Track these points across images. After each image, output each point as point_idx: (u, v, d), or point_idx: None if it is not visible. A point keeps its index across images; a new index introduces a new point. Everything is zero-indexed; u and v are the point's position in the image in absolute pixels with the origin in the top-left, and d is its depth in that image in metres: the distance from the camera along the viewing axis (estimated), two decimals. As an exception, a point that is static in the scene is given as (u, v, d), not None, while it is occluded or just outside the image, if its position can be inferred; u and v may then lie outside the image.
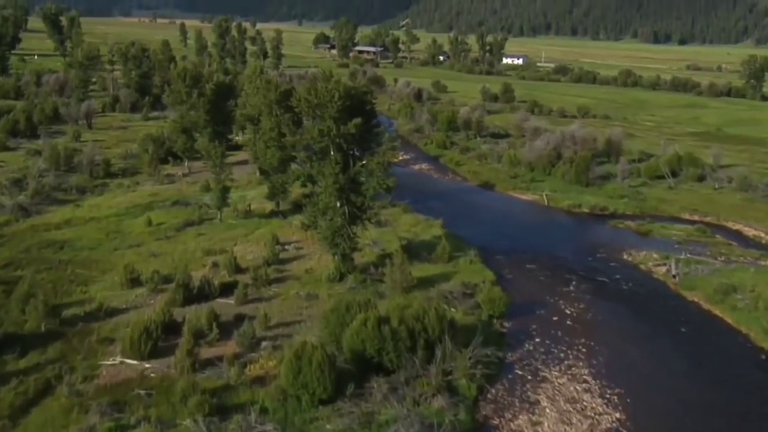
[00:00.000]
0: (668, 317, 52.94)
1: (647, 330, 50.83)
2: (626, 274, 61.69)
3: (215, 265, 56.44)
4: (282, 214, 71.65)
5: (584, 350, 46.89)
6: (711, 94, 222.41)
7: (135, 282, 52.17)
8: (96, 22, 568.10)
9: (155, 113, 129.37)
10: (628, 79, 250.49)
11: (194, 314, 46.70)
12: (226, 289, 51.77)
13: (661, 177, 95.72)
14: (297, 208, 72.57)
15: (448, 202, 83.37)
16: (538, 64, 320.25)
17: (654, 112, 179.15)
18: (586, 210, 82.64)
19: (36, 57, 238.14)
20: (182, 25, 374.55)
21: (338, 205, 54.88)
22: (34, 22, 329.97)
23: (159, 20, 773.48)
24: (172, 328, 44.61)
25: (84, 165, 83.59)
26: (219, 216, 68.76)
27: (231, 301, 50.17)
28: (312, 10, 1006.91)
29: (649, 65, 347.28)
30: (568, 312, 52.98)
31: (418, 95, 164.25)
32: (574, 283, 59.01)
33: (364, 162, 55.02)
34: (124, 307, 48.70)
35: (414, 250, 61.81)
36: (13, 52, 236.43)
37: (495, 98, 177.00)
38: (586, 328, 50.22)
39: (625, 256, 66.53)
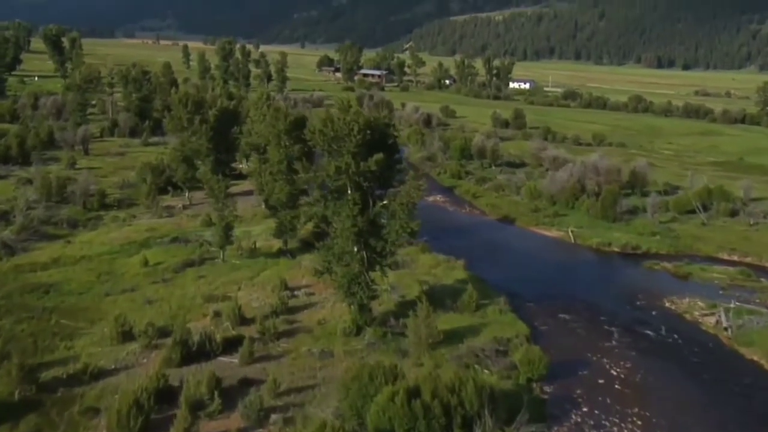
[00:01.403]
0: (728, 381, 46.86)
1: (706, 397, 44.75)
2: (672, 326, 55.64)
3: (217, 314, 50.48)
4: (290, 253, 65.78)
5: (639, 422, 40.82)
6: (725, 121, 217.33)
7: (127, 335, 46.18)
8: (98, 44, 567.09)
9: (155, 138, 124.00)
10: (639, 105, 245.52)
11: (193, 377, 40.71)
12: (230, 345, 45.81)
13: (691, 211, 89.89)
14: (307, 246, 66.81)
15: (468, 240, 77.55)
16: (545, 89, 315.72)
17: (670, 139, 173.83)
18: (616, 249, 76.72)
19: (36, 78, 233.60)
20: (185, 47, 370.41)
21: (355, 250, 49.07)
22: (38, 42, 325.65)
23: (162, 42, 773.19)
24: (167, 396, 38.56)
25: (77, 196, 77.79)
26: (221, 255, 62.89)
27: (235, 360, 44.17)
28: (314, 33, 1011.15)
29: (657, 90, 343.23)
30: (615, 373, 46.95)
31: (428, 121, 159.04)
32: (615, 336, 53.07)
33: (385, 202, 49.26)
34: (113, 367, 42.67)
35: (436, 297, 55.87)
36: (13, 73, 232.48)
37: (506, 124, 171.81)
38: (638, 394, 44.18)
39: (667, 304, 60.55)
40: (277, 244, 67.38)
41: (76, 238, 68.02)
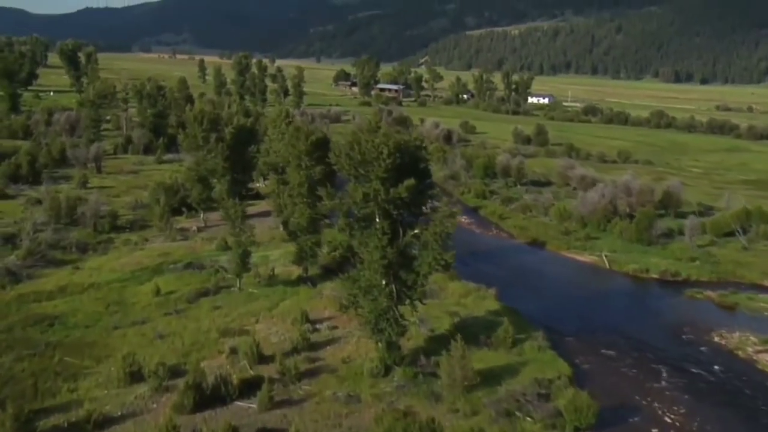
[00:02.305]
0: (795, 430, 42.45)
1: (774, 450, 40.39)
2: (725, 364, 51.22)
3: (233, 351, 46.62)
4: (311, 281, 61.92)
5: (703, 481, 36.51)
6: (751, 137, 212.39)
7: (135, 376, 42.38)
8: (115, 58, 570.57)
9: (170, 155, 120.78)
10: (661, 121, 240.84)
11: (207, 426, 36.99)
12: (248, 387, 41.92)
13: (729, 234, 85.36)
14: (328, 273, 63.15)
15: (497, 265, 73.52)
16: (564, 104, 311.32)
17: (696, 156, 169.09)
18: (654, 275, 72.29)
19: (51, 93, 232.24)
20: (201, 61, 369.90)
21: (384, 283, 45.14)
22: (55, 57, 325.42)
23: (178, 56, 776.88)
24: (178, 449, 34.76)
25: (87, 217, 74.38)
26: (238, 283, 59.13)
27: (253, 405, 40.21)
28: (330, 47, 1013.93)
29: (677, 105, 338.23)
30: (669, 420, 42.61)
31: (448, 137, 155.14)
32: (664, 376, 48.71)
33: (416, 231, 45.32)
34: (120, 414, 38.79)
35: (468, 331, 51.78)
36: (29, 88, 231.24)
37: (527, 140, 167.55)
38: (697, 446, 39.90)
39: (716, 338, 56.13)
40: (296, 270, 63.56)
41: (85, 264, 64.49)
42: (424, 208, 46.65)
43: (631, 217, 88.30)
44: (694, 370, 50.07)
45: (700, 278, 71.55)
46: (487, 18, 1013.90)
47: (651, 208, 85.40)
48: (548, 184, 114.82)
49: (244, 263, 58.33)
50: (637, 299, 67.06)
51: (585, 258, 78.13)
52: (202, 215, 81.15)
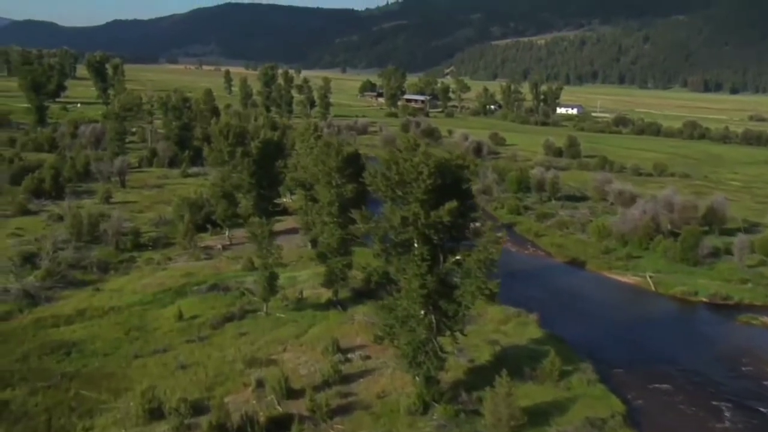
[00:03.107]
0: None
1: None
2: (792, 401, 47.16)
3: (260, 384, 43.43)
4: (341, 305, 58.65)
5: None
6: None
7: (155, 413, 39.33)
8: (142, 69, 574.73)
9: (195, 169, 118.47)
10: (694, 131, 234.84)
11: (232, 473, 33.71)
12: (276, 426, 38.74)
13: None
14: (359, 296, 59.95)
15: (536, 286, 69.82)
16: (593, 114, 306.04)
17: (734, 168, 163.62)
18: (704, 299, 68.15)
19: (79, 105, 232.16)
20: (227, 72, 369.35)
21: (423, 313, 41.76)
22: (83, 69, 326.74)
23: (204, 67, 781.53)
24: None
25: (109, 235, 71.85)
26: (265, 307, 56.04)
27: (282, 447, 37.03)
28: (355, 58, 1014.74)
29: (708, 116, 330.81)
30: (737, 468, 38.71)
31: (478, 149, 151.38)
32: (727, 415, 44.76)
33: (458, 258, 41.89)
34: (138, 457, 35.83)
35: (511, 362, 48.18)
36: (57, 100, 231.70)
37: (559, 152, 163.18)
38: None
39: (778, 371, 52.01)
40: (326, 293, 60.34)
41: (105, 285, 61.80)
42: (466, 232, 43.29)
43: (673, 234, 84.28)
44: (759, 408, 46.06)
45: (753, 302, 67.33)
46: (512, 28, 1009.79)
47: (697, 226, 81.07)
48: (584, 198, 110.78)
49: (271, 286, 55.21)
50: (687, 325, 63.03)
51: (628, 279, 74.13)
52: (227, 232, 78.37)
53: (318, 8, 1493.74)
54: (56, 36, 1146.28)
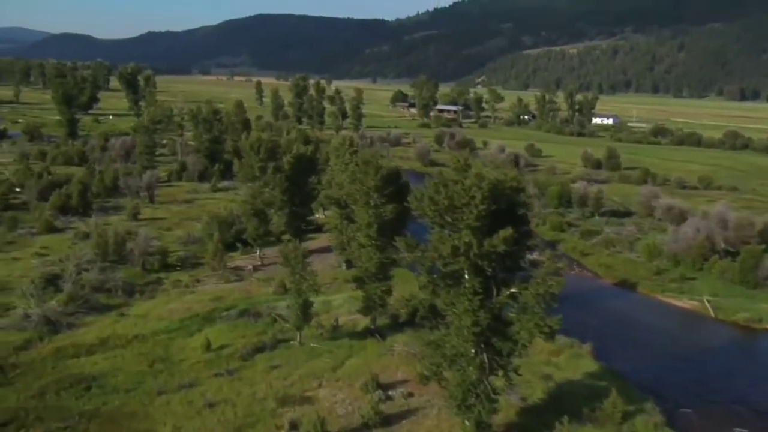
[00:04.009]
0: None
1: None
2: None
3: (294, 427, 39.68)
4: (379, 333, 54.76)
5: None
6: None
7: (180, 461, 35.75)
8: (174, 81, 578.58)
9: (225, 183, 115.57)
10: (736, 142, 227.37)
11: None
12: (311, 478, 34.90)
13: None
14: (398, 323, 55.93)
15: (586, 312, 65.14)
16: (629, 124, 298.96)
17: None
18: (769, 326, 63.18)
19: (111, 117, 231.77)
20: (258, 83, 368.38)
21: (473, 352, 37.67)
22: (116, 81, 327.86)
23: (236, 78, 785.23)
24: None
25: (136, 255, 68.78)
26: (298, 337, 52.33)
27: (318, 504, 33.14)
28: (386, 68, 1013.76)
29: (749, 125, 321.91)
30: None
31: (515, 162, 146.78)
32: (814, 466, 39.99)
33: (513, 290, 37.76)
34: None
35: (566, 401, 44.10)
36: (89, 112, 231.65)
37: (598, 164, 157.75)
38: None
39: None
40: (363, 320, 56.49)
41: (130, 310, 58.65)
42: (521, 261, 39.15)
43: (728, 254, 79.24)
44: None
45: (823, 330, 62.17)
46: (544, 37, 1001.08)
47: (759, 247, 75.83)
48: (628, 214, 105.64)
49: (305, 314, 51.52)
50: (755, 356, 58.18)
51: (684, 303, 69.21)
52: (258, 252, 74.94)
53: (349, 19, 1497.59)
54: (93, 48, 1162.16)
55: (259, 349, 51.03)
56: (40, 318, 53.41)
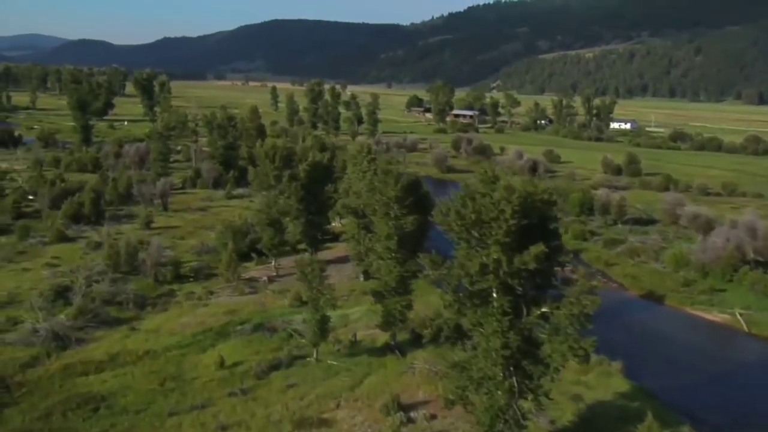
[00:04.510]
0: None
1: None
2: None
3: (311, 453, 37.62)
4: (399, 350, 52.60)
5: None
6: None
7: (191, 491, 33.73)
8: (190, 86, 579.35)
9: (240, 190, 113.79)
10: (759, 147, 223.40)
11: None
12: None
13: None
14: (419, 338, 53.59)
15: (613, 326, 62.30)
16: (647, 129, 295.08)
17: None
18: (806, 342, 60.41)
19: (126, 123, 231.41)
20: (273, 88, 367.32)
21: (502, 375, 35.41)
22: (132, 86, 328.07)
23: (251, 83, 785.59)
24: None
25: (148, 266, 66.99)
26: (315, 353, 50.25)
27: None
28: (400, 73, 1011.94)
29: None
30: None
31: (534, 168, 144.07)
32: None
33: (544, 310, 35.51)
34: None
35: (599, 424, 41.82)
36: (104, 118, 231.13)
37: (618, 170, 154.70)
38: None
39: None
40: (382, 335, 54.33)
41: (141, 324, 56.77)
42: (552, 279, 36.88)
43: (759, 264, 76.49)
44: None
45: None
46: (559, 41, 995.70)
47: (790, 257, 73.20)
48: (651, 222, 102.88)
49: (322, 331, 49.44)
50: (793, 375, 55.36)
51: (714, 317, 66.49)
52: (273, 262, 72.96)
53: (363, 23, 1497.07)
54: (110, 54, 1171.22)
55: (275, 366, 48.96)
56: (48, 333, 51.63)
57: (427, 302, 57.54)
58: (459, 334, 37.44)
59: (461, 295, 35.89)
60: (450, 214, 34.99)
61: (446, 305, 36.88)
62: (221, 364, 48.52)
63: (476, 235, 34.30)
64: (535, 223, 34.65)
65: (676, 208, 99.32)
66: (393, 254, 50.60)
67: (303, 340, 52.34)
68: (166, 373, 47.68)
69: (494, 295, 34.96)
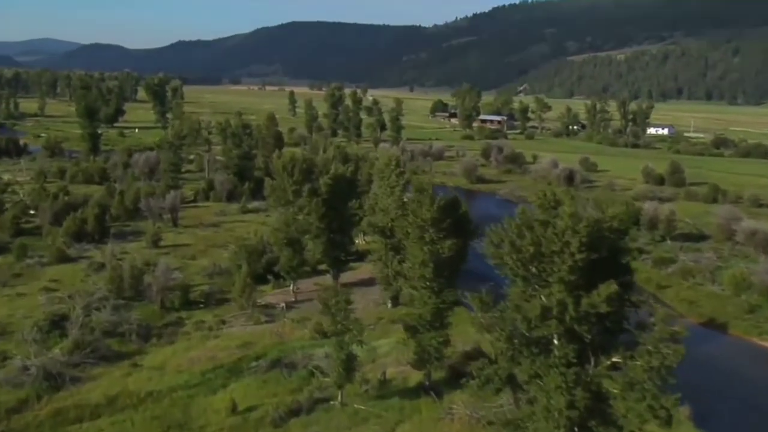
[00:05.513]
0: None
1: None
2: None
3: None
4: (434, 390, 46.17)
5: None
6: None
7: None
8: (204, 91, 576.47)
9: (255, 203, 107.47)
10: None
11: None
12: None
13: None
14: (456, 376, 47.15)
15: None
16: (686, 134, 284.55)
17: None
18: None
19: (136, 130, 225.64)
20: (291, 93, 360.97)
21: (568, 438, 29.01)
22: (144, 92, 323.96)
23: (268, 88, 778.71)
24: None
25: (154, 292, 61.12)
26: (340, 396, 44.00)
27: None
28: (423, 76, 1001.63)
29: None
30: None
31: (570, 178, 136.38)
32: None
33: (615, 360, 29.08)
34: None
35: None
36: (114, 125, 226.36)
37: (660, 180, 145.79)
38: None
39: None
40: (415, 374, 47.94)
41: (145, 359, 50.84)
42: (624, 322, 30.46)
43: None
44: None
45: None
46: (589, 42, 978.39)
47: None
48: (702, 237, 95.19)
49: (348, 371, 43.19)
50: None
51: (786, 349, 59.27)
52: (291, 286, 66.81)
53: (384, 25, 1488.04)
54: (123, 58, 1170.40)
55: (294, 411, 42.72)
56: (40, 371, 45.83)
57: (465, 333, 51.05)
58: (512, 385, 31.09)
59: (516, 342, 29.54)
60: (503, 245, 28.78)
61: (498, 353, 30.55)
62: (233, 409, 42.48)
63: (535, 271, 28.11)
64: (604, 256, 28.26)
65: (730, 223, 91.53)
66: (428, 283, 44.33)
67: (326, 379, 46.11)
68: (171, 420, 41.75)
69: (556, 342, 28.63)
